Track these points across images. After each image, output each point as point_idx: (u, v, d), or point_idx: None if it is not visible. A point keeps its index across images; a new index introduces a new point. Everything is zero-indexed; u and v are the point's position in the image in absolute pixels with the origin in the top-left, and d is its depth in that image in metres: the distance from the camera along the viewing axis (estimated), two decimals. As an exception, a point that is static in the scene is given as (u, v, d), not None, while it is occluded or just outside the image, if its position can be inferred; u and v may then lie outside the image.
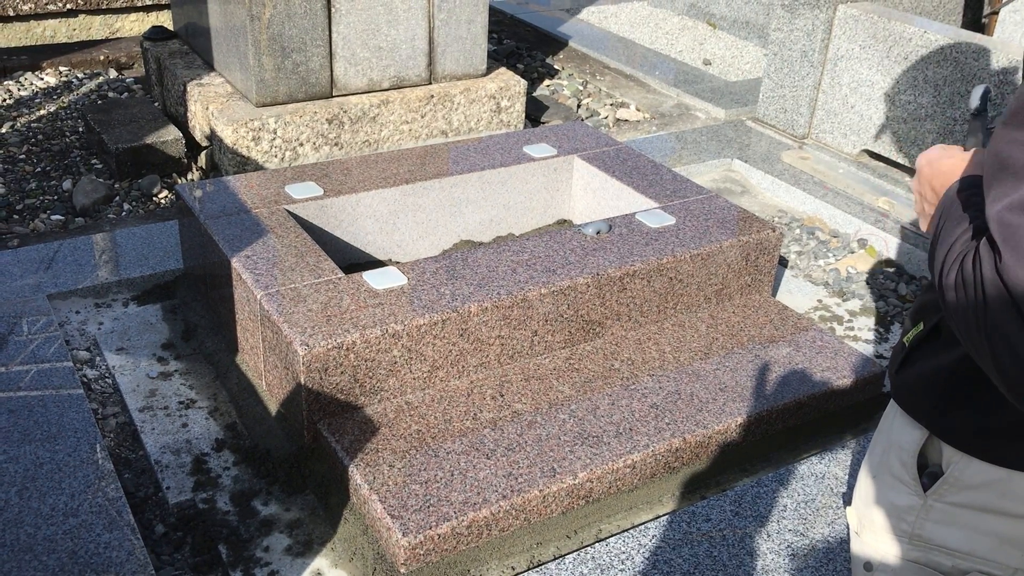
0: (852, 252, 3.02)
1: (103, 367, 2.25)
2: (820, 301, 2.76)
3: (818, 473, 1.96)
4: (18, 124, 3.68)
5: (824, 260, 2.98)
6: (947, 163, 1.09)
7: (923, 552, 1.03)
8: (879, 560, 1.09)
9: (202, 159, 3.36)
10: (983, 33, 3.98)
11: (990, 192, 0.89)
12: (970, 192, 1.03)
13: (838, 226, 3.16)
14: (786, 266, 2.94)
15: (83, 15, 4.67)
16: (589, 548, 1.76)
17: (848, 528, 1.16)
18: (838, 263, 2.96)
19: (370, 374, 1.90)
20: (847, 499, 1.15)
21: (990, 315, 0.86)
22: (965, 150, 1.11)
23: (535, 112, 3.94)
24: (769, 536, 1.80)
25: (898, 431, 1.06)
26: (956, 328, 0.94)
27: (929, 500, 1.01)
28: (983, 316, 0.87)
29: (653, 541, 1.77)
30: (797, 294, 2.78)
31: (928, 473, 1.02)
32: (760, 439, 2.05)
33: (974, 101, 1.18)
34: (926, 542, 1.02)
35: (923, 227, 1.17)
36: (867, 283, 2.85)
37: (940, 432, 1.01)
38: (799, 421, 2.11)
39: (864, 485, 1.11)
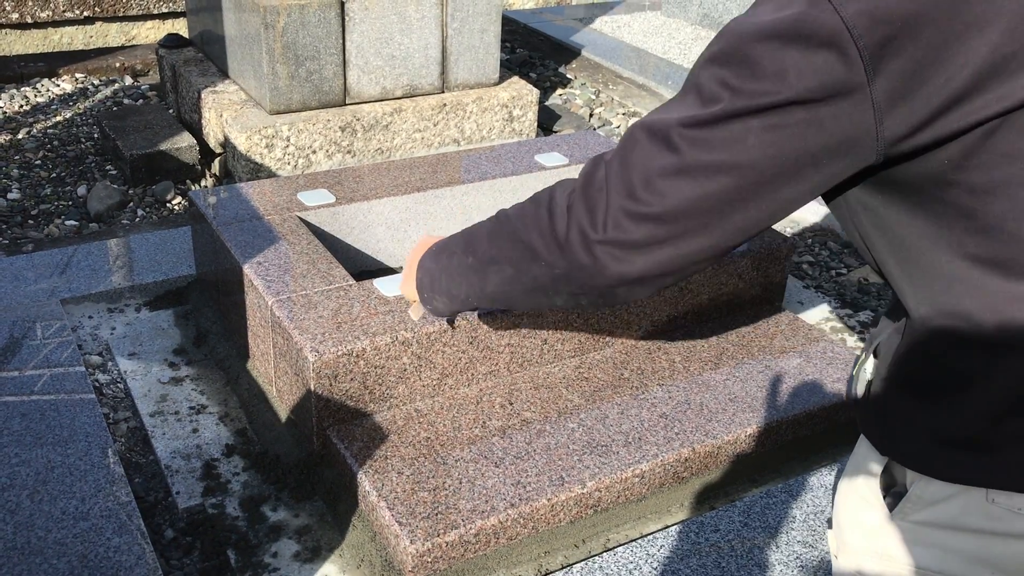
0: (864, 263, 3.02)
1: (115, 372, 2.26)
2: (832, 312, 2.75)
3: (828, 485, 1.95)
4: (34, 130, 3.71)
5: (836, 271, 2.97)
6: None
7: (895, 572, 1.03)
8: None
9: (216, 166, 3.38)
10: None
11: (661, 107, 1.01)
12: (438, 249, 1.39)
13: (850, 237, 3.15)
14: (798, 277, 2.94)
15: (100, 22, 4.71)
16: (597, 558, 1.76)
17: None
18: (850, 274, 2.96)
19: (380, 381, 1.90)
20: (830, 522, 1.15)
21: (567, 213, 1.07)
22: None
23: (547, 121, 3.95)
24: (778, 547, 1.79)
25: (862, 453, 1.07)
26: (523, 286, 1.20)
27: (895, 519, 1.01)
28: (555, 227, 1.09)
29: (661, 551, 1.77)
30: (808, 305, 2.78)
31: (893, 492, 1.02)
32: (770, 450, 2.05)
33: None
34: (896, 562, 1.02)
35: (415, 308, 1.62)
36: (879, 294, 2.84)
37: (892, 454, 1.01)
38: (809, 432, 2.10)
39: (837, 507, 1.12)
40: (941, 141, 0.86)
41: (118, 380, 2.24)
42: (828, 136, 0.88)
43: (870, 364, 1.07)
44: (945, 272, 0.92)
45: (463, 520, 1.69)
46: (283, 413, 2.05)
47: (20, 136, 3.65)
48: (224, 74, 3.57)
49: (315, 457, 1.92)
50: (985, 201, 0.87)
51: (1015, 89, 0.83)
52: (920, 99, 0.84)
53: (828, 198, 1.02)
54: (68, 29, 4.64)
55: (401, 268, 2.50)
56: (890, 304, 1.10)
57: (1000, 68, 0.83)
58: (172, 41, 3.85)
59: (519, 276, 1.19)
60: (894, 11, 0.82)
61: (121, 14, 4.71)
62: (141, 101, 4.05)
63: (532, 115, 3.68)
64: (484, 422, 1.94)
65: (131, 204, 3.20)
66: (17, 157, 3.48)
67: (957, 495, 0.95)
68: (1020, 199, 0.86)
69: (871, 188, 0.96)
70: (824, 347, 2.28)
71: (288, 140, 3.19)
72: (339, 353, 1.83)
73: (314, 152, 3.26)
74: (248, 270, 2.09)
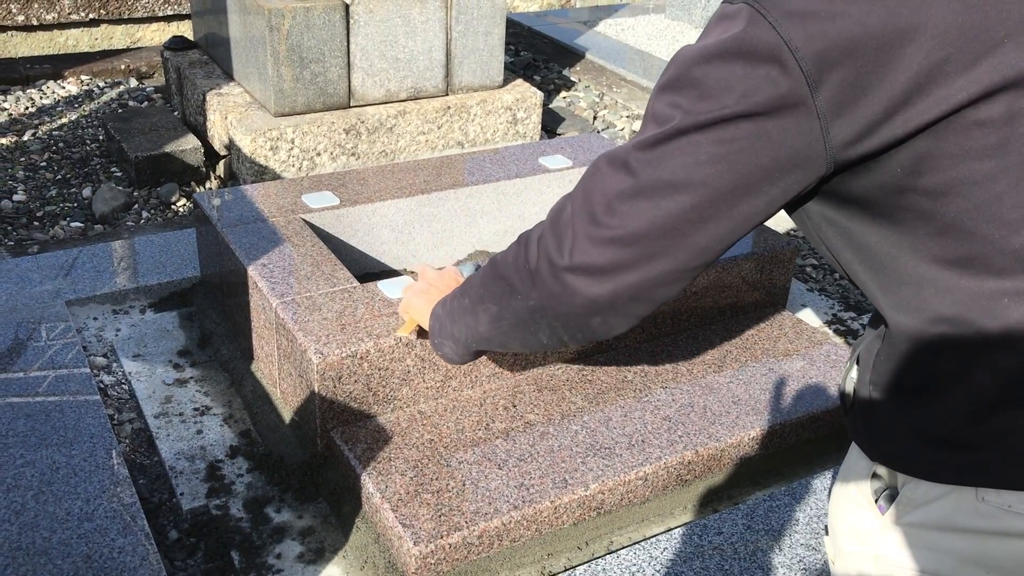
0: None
1: (119, 373, 2.27)
2: (835, 315, 2.75)
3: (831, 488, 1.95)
4: (40, 132, 3.73)
5: (840, 274, 2.97)
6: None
7: (890, 575, 1.03)
8: None
9: (220, 168, 3.39)
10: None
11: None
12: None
13: (854, 240, 3.15)
14: (802, 280, 2.94)
15: (105, 25, 4.73)
16: (600, 560, 1.76)
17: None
18: (854, 277, 2.95)
19: (383, 383, 1.91)
20: (827, 528, 1.16)
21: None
22: None
23: (551, 124, 3.96)
24: (781, 550, 1.79)
25: (853, 458, 1.08)
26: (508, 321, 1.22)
27: (888, 522, 1.01)
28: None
29: (664, 554, 1.77)
30: (812, 308, 2.78)
31: (885, 496, 1.03)
32: (773, 453, 2.05)
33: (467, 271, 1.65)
34: (891, 564, 1.02)
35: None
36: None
37: (880, 458, 1.02)
38: (813, 435, 2.10)
39: (832, 513, 1.13)
40: (888, 147, 0.89)
41: (123, 381, 2.24)
42: (777, 149, 0.91)
43: (854, 371, 1.09)
44: (913, 276, 0.94)
45: (466, 522, 1.69)
46: (287, 415, 2.05)
47: (25, 138, 3.66)
48: (229, 76, 3.58)
49: (319, 459, 1.93)
50: (942, 203, 0.89)
51: (952, 92, 0.85)
52: (863, 107, 0.87)
53: (790, 211, 1.04)
54: (74, 31, 4.66)
55: (405, 271, 2.51)
56: (873, 312, 1.11)
57: (936, 72, 0.85)
58: (177, 43, 3.86)
59: (502, 312, 1.22)
60: (828, 25, 0.86)
61: (126, 16, 4.72)
62: (146, 103, 4.06)
63: (536, 118, 3.69)
64: (487, 424, 1.94)
65: (136, 206, 3.21)
66: (22, 159, 3.49)
67: (947, 495, 0.95)
68: (975, 197, 0.88)
69: (831, 202, 0.98)
70: (828, 350, 2.28)
71: (292, 142, 3.20)
72: (343, 355, 1.83)
73: (318, 154, 3.27)
74: (252, 272, 2.09)
